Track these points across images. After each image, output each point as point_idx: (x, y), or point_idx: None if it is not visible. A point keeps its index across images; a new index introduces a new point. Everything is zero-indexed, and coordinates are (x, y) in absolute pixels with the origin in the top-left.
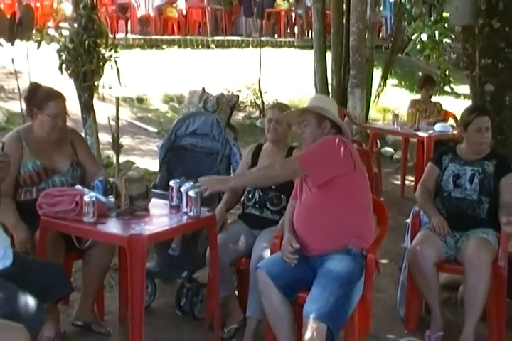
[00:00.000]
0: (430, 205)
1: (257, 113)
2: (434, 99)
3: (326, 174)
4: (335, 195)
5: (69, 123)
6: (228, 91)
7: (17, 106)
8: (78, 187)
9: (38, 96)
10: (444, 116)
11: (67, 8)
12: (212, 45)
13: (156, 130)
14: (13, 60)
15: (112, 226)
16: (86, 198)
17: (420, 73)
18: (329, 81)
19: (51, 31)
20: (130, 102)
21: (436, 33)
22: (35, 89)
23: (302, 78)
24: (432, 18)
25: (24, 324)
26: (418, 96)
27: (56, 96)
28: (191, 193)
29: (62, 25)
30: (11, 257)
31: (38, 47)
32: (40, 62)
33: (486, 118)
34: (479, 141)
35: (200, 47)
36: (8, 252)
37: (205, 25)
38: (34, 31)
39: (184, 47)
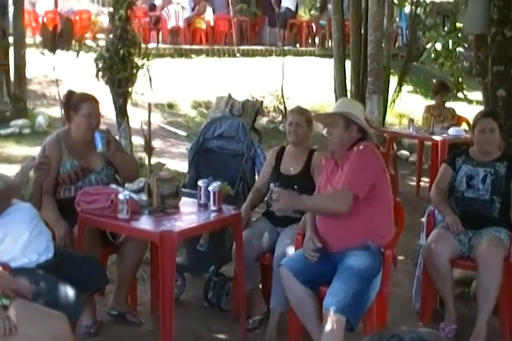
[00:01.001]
0: (444, 205)
1: (280, 118)
2: (448, 104)
3: (368, 186)
4: (365, 196)
5: (104, 126)
6: (253, 97)
7: (57, 111)
8: (113, 186)
9: (73, 100)
10: (458, 120)
11: (104, 21)
12: (238, 54)
13: (185, 134)
14: (54, 68)
15: (145, 223)
16: (120, 196)
17: (434, 80)
18: (348, 87)
19: (89, 42)
20: (161, 108)
21: (450, 42)
22: (70, 94)
23: (322, 85)
24: (446, 28)
25: (64, 312)
26: (433, 102)
27: (89, 98)
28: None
29: (98, 36)
30: (53, 250)
31: (77, 56)
32: (78, 71)
33: (490, 120)
34: (483, 141)
35: (226, 56)
36: (50, 246)
37: (231, 36)
38: (73, 42)
39: (211, 56)
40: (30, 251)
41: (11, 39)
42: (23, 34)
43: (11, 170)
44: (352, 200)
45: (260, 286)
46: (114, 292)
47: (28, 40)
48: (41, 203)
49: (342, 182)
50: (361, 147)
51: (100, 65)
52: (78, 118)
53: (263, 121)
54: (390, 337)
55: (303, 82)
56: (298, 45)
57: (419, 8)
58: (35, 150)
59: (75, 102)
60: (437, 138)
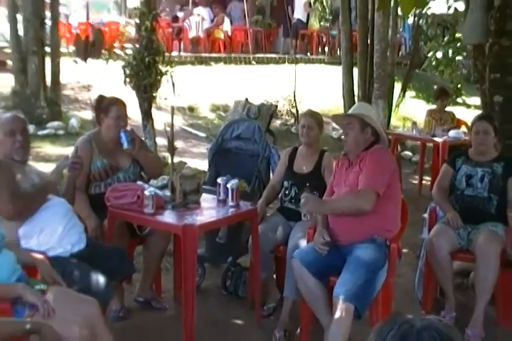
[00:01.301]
0: (445, 202)
1: (292, 120)
2: (448, 109)
3: (386, 185)
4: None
5: (131, 128)
6: (267, 102)
7: (88, 114)
8: (139, 183)
9: (103, 104)
10: (457, 124)
11: (131, 31)
12: (253, 62)
13: (204, 135)
14: (86, 75)
15: (168, 217)
16: (146, 192)
17: (435, 86)
18: (355, 93)
19: (117, 51)
20: (182, 111)
21: (450, 51)
22: (101, 99)
23: (331, 90)
24: (446, 38)
25: (96, 298)
26: (434, 107)
27: (117, 102)
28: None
29: (126, 45)
30: (85, 242)
31: (107, 63)
32: (107, 77)
33: (485, 122)
34: (477, 142)
35: (242, 63)
36: (83, 237)
37: (247, 45)
38: (103, 51)
39: (229, 64)
40: (65, 242)
41: (47, 48)
42: (58, 44)
43: (47, 168)
44: (375, 198)
45: (274, 276)
46: (140, 280)
47: (63, 50)
48: (74, 198)
49: (364, 182)
50: (378, 149)
51: (127, 72)
52: (108, 121)
53: (277, 123)
54: (402, 324)
55: (313, 88)
56: (309, 54)
57: (421, 20)
58: (68, 150)
59: (105, 106)
60: (438, 139)
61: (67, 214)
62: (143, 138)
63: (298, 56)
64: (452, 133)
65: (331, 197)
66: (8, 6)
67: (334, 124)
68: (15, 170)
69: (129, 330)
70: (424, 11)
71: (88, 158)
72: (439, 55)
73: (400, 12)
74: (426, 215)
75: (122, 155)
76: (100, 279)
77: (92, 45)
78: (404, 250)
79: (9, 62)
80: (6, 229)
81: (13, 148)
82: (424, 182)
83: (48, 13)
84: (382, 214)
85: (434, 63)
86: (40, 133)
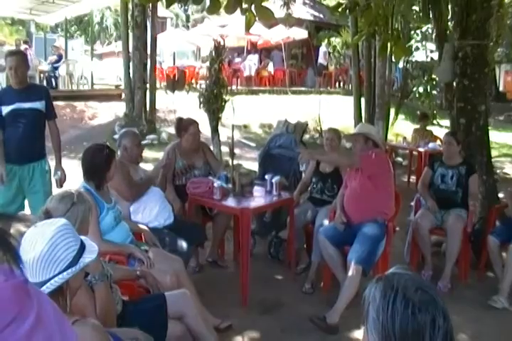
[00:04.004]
0: (426, 194)
1: (317, 135)
2: (428, 128)
3: (371, 169)
4: (375, 185)
5: (203, 139)
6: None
7: (173, 130)
8: (210, 178)
9: (183, 124)
10: (434, 138)
11: (204, 72)
12: (289, 93)
13: (254, 145)
14: (173, 102)
15: (230, 202)
16: (215, 185)
17: (418, 112)
18: (362, 115)
19: (194, 85)
20: (239, 128)
21: (428, 87)
22: (180, 120)
23: (345, 114)
24: (425, 77)
25: (180, 257)
26: (418, 126)
27: (194, 122)
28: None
29: (200, 81)
30: (172, 218)
31: (187, 94)
32: (188, 103)
33: (449, 137)
34: (444, 150)
35: (282, 94)
36: (171, 215)
37: (284, 81)
38: (185, 85)
39: (272, 94)
40: (159, 218)
41: (147, 85)
42: (155, 81)
43: (147, 167)
44: (356, 162)
45: (305, 246)
46: (210, 246)
47: (157, 85)
48: (165, 188)
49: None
50: (378, 150)
51: (201, 99)
52: (187, 136)
53: (306, 137)
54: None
55: (332, 112)
56: (329, 87)
57: (408, 65)
58: (160, 154)
59: (184, 125)
60: (421, 149)
61: (161, 198)
62: (212, 147)
63: (321, 89)
64: (431, 145)
65: (345, 190)
66: (124, 57)
67: None
68: (130, 169)
69: (202, 281)
70: (410, 59)
71: (174, 160)
72: (421, 89)
73: (393, 58)
74: (412, 203)
75: (197, 157)
76: (183, 244)
77: (177, 81)
78: (397, 228)
79: (123, 95)
80: (122, 207)
81: (139, 155)
82: (411, 180)
83: (148, 61)
84: (380, 201)
85: (417, 95)
86: (141, 143)
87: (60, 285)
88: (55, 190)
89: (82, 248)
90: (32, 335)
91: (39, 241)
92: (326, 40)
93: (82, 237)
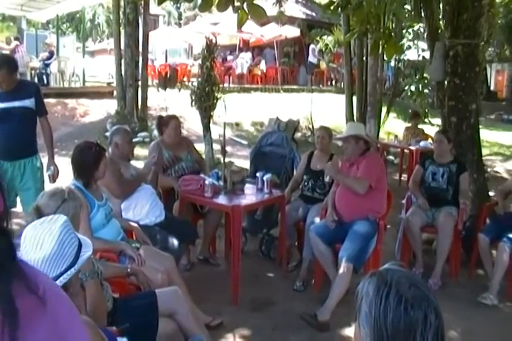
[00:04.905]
0: (417, 191)
1: (309, 133)
2: (419, 126)
3: (376, 180)
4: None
5: (194, 138)
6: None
7: None
8: (201, 175)
9: (163, 120)
10: (425, 137)
11: (195, 69)
12: (281, 91)
13: (246, 143)
14: (164, 99)
15: (222, 199)
16: (206, 182)
17: (410, 110)
18: (354, 114)
19: (186, 83)
20: (231, 125)
21: (420, 85)
22: (160, 118)
23: (337, 112)
24: (417, 76)
25: (172, 254)
26: (409, 124)
27: (174, 117)
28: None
29: (192, 79)
30: (164, 215)
31: (179, 91)
32: (179, 101)
33: (440, 135)
34: (435, 148)
35: (273, 92)
36: (162, 213)
37: (277, 79)
38: (177, 83)
39: (264, 92)
40: (150, 215)
41: (139, 82)
42: (146, 79)
43: (138, 165)
44: (367, 187)
45: (296, 243)
46: (201, 244)
47: (149, 83)
48: (157, 185)
49: (361, 175)
50: (372, 154)
51: (193, 97)
52: (168, 131)
53: (297, 135)
54: (390, 289)
55: (324, 110)
56: (321, 86)
57: (400, 63)
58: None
59: (165, 121)
60: (413, 148)
61: (152, 195)
62: (203, 145)
63: (313, 87)
64: (422, 143)
65: (336, 188)
66: (115, 54)
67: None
68: (121, 166)
69: (193, 278)
70: (402, 57)
71: (161, 155)
72: (413, 88)
73: (385, 57)
74: (404, 201)
75: (180, 149)
76: (174, 242)
77: (169, 79)
78: (388, 226)
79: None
80: (113, 204)
81: (130, 152)
82: (402, 178)
83: (140, 59)
84: (373, 200)
85: (409, 94)
86: (133, 140)
87: (67, 281)
88: (48, 186)
89: (80, 243)
90: None
91: (46, 240)
92: (317, 38)
93: None
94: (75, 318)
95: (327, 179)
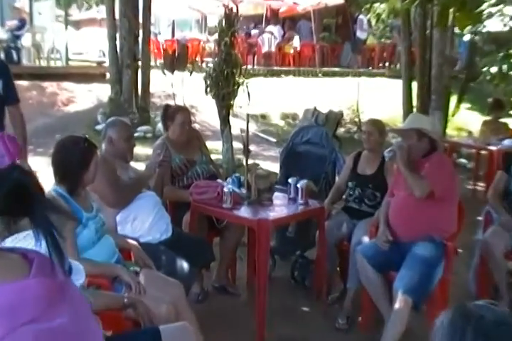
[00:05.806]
0: (500, 205)
1: (355, 128)
2: (502, 120)
3: (442, 189)
4: (434, 195)
5: (209, 134)
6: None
7: None
8: (219, 180)
9: (169, 112)
10: (510, 133)
11: (210, 46)
12: (320, 74)
13: (275, 140)
14: (172, 85)
15: (244, 212)
16: (225, 189)
17: (490, 99)
18: (414, 104)
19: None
20: (256, 118)
21: (505, 66)
22: (167, 108)
23: (391, 101)
24: (501, 54)
25: (180, 281)
26: (488, 118)
27: (181, 109)
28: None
29: (206, 59)
30: (171, 231)
31: (190, 75)
32: (191, 87)
33: None
34: None
35: (310, 76)
36: (169, 227)
37: (314, 59)
38: (188, 64)
39: (298, 76)
40: (154, 231)
41: (139, 62)
42: (149, 58)
43: (137, 166)
44: (428, 192)
45: (338, 268)
46: (217, 268)
47: (152, 63)
48: (162, 192)
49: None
50: (439, 156)
51: (208, 82)
52: (174, 127)
53: (340, 131)
54: (477, 318)
55: (375, 99)
56: (370, 68)
57: (477, 37)
58: None
59: (170, 114)
60: (493, 148)
61: (156, 205)
62: (220, 142)
63: (361, 70)
64: (506, 142)
65: (390, 199)
66: (108, 26)
67: None
68: (117, 167)
69: (207, 312)
70: (479, 29)
71: (169, 157)
72: (494, 69)
73: (456, 29)
74: (481, 218)
75: (192, 147)
76: (184, 265)
77: (178, 59)
78: (460, 250)
79: (107, 74)
80: (106, 216)
81: (128, 152)
82: (478, 187)
83: (140, 32)
84: (440, 215)
85: (488, 77)
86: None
87: None
88: None
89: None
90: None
91: None
92: (367, 6)
93: None
94: (90, 314)
95: (387, 159)
